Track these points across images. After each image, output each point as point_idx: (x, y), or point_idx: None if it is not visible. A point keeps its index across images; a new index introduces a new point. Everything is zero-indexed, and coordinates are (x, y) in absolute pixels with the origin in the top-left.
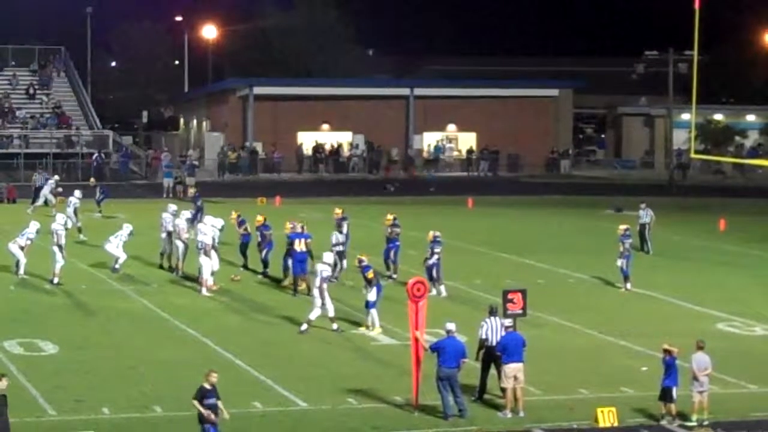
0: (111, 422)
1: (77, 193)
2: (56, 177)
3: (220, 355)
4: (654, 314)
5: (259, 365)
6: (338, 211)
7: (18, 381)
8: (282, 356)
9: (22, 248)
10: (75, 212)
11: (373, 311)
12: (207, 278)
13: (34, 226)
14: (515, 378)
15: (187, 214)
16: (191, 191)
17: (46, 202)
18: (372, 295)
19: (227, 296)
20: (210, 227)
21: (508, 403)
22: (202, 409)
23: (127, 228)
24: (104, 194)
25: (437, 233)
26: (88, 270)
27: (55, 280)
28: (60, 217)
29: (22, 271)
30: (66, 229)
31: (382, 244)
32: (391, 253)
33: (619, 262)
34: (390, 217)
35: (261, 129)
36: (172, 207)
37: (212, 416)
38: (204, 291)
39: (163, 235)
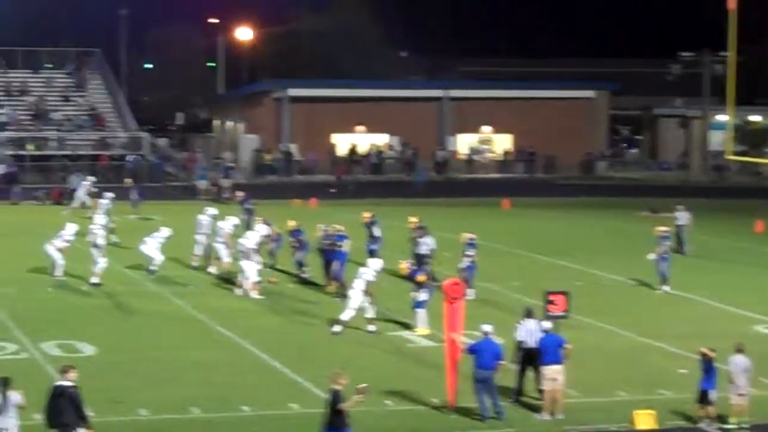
0: (148, 424)
1: (108, 195)
2: (91, 179)
3: (257, 356)
4: (691, 316)
5: (296, 366)
6: (366, 214)
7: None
8: (318, 357)
9: (59, 250)
10: (108, 214)
11: (421, 311)
12: (252, 280)
13: (71, 227)
14: (554, 380)
15: (234, 219)
16: (239, 195)
17: (82, 204)
18: (423, 296)
19: (263, 298)
20: (256, 234)
21: (546, 405)
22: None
23: (165, 231)
24: (140, 196)
25: (472, 236)
26: (124, 272)
27: (95, 281)
28: (99, 218)
29: (59, 272)
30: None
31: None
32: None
33: (651, 257)
34: (413, 219)
35: (296, 131)
36: (210, 210)
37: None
38: (243, 292)
39: (199, 237)
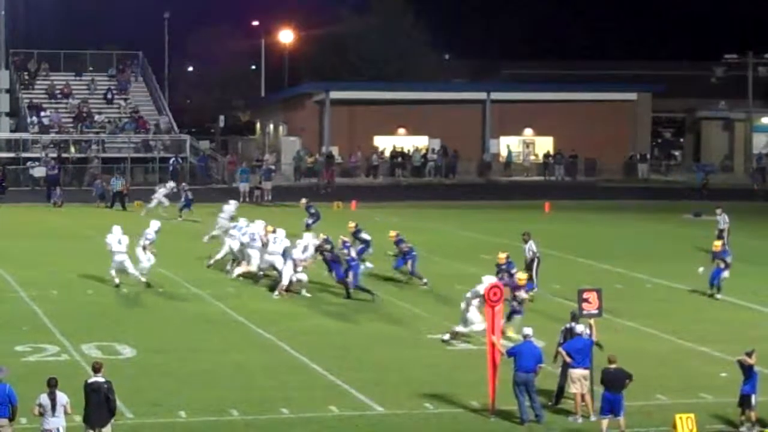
0: (187, 426)
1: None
2: (171, 183)
3: (296, 358)
4: (733, 320)
5: (335, 369)
6: (351, 224)
7: None
8: (357, 360)
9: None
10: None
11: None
12: (284, 283)
13: (154, 224)
14: (582, 382)
15: (282, 231)
16: (303, 201)
17: (158, 204)
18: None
19: (303, 301)
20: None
21: (577, 407)
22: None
23: (154, 225)
24: (187, 202)
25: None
26: (165, 273)
27: (143, 279)
28: (154, 224)
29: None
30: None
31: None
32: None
33: (701, 270)
34: (393, 233)
35: (337, 133)
36: (231, 206)
37: None
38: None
39: (227, 239)
